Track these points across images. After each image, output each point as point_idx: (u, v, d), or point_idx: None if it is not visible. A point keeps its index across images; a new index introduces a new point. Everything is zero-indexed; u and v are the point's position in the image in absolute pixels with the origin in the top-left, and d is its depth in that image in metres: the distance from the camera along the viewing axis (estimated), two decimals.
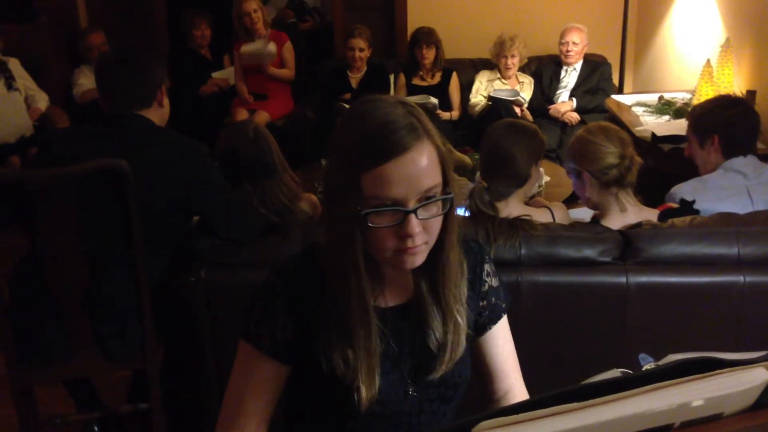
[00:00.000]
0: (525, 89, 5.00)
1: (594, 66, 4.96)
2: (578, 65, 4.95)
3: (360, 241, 1.11)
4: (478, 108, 4.94)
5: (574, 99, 4.88)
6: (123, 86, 2.25)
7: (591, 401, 0.57)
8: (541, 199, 2.76)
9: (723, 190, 2.46)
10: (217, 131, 3.10)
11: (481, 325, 1.35)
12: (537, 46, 5.16)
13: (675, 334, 2.12)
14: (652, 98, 4.08)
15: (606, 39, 5.12)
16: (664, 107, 3.89)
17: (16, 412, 2.29)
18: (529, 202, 2.53)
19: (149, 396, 2.31)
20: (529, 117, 4.88)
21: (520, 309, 2.09)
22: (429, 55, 4.94)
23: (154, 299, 2.24)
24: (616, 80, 4.88)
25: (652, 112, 3.89)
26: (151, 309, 2.22)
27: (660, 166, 3.24)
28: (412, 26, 5.29)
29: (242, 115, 5.02)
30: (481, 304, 1.33)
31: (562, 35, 4.89)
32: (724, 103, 2.61)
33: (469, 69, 5.22)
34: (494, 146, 2.32)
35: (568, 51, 4.87)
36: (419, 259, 1.14)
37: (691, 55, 4.43)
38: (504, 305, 1.37)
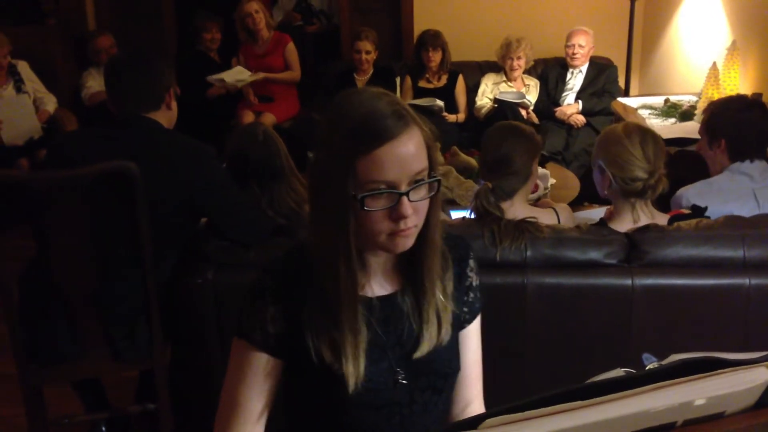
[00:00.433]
0: (531, 92, 5.01)
1: (600, 68, 4.97)
2: (584, 68, 4.96)
3: (353, 225, 1.15)
4: (484, 110, 4.95)
5: (579, 101, 4.89)
6: (132, 89, 2.27)
7: (595, 399, 0.59)
8: (548, 201, 2.78)
9: (729, 193, 2.45)
10: (223, 133, 3.13)
11: (460, 321, 1.37)
12: (543, 49, 5.17)
13: (680, 337, 2.12)
14: (658, 101, 4.08)
15: (612, 41, 5.13)
16: (670, 110, 3.89)
17: (26, 412, 2.31)
18: (536, 203, 2.54)
19: (157, 396, 2.33)
20: (535, 119, 4.90)
21: (526, 311, 2.10)
22: (435, 57, 4.95)
23: (162, 300, 2.26)
24: (622, 83, 4.88)
25: (658, 115, 3.89)
26: (159, 310, 2.24)
27: (667, 172, 3.24)
28: (418, 29, 5.31)
29: (248, 117, 5.05)
30: (464, 298, 1.36)
31: (568, 38, 4.90)
32: (737, 106, 2.57)
33: (475, 72, 5.24)
34: (493, 148, 2.35)
35: (574, 54, 4.88)
36: (410, 241, 1.19)
37: (697, 58, 4.44)
38: (479, 305, 1.40)
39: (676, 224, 2.21)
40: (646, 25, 5.32)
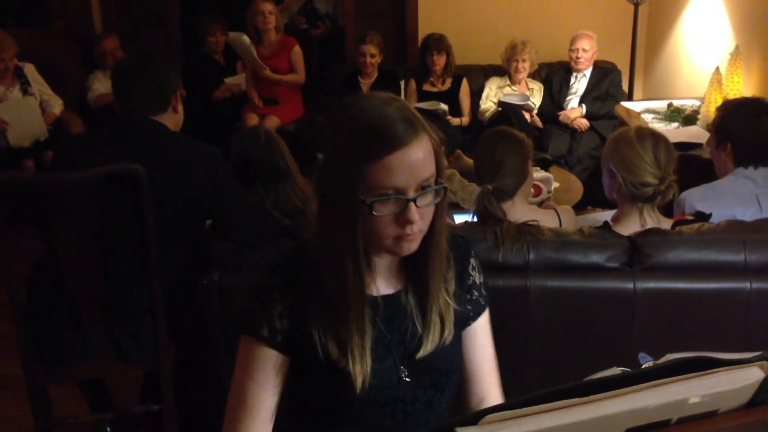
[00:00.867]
0: (535, 95, 5.02)
1: (604, 72, 4.98)
2: (588, 72, 4.97)
3: (361, 228, 1.17)
4: (488, 114, 4.97)
5: (583, 105, 4.90)
6: (139, 92, 2.30)
7: (593, 396, 0.60)
8: (551, 203, 2.79)
9: (732, 198, 2.46)
10: (228, 136, 3.15)
11: (463, 319, 1.38)
12: (547, 53, 5.19)
13: (682, 340, 2.13)
14: (661, 105, 4.10)
15: (616, 46, 5.14)
16: (674, 114, 3.91)
17: (32, 412, 2.33)
18: (539, 206, 2.56)
19: (161, 397, 2.35)
20: (539, 123, 4.91)
21: (529, 313, 2.11)
22: (440, 61, 4.97)
23: (168, 301, 2.28)
24: (625, 87, 4.90)
25: (662, 119, 3.90)
26: (165, 311, 2.26)
27: (677, 178, 3.25)
28: (423, 32, 5.33)
29: (253, 120, 5.07)
30: (467, 297, 1.38)
31: (572, 42, 4.91)
32: (749, 110, 2.54)
33: (480, 75, 5.25)
34: (485, 155, 2.37)
35: (578, 58, 4.89)
36: (415, 245, 1.21)
37: (701, 63, 4.45)
38: (484, 303, 1.42)
39: (678, 228, 2.22)
40: (650, 29, 5.33)
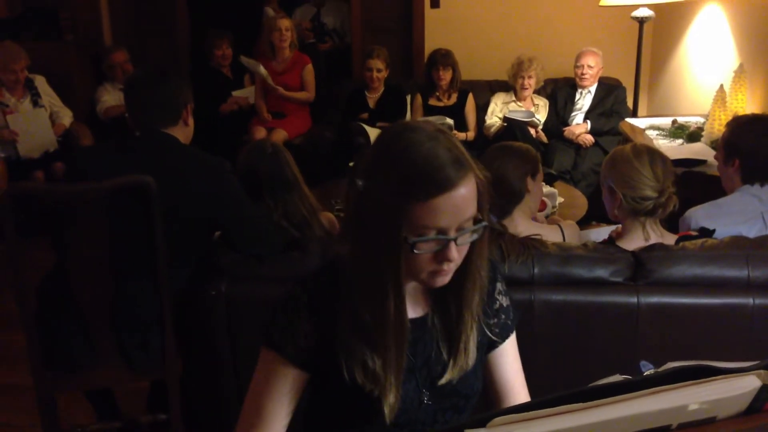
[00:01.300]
0: (540, 111, 5.05)
1: (609, 89, 5.01)
2: (593, 88, 5.00)
3: (404, 264, 1.17)
4: (493, 129, 5.00)
5: (588, 121, 4.93)
6: (151, 104, 2.33)
7: (595, 402, 0.63)
8: (556, 218, 2.81)
9: (737, 215, 2.46)
10: (235, 149, 3.20)
11: (490, 342, 1.39)
12: (552, 69, 5.23)
13: (685, 355, 2.13)
14: (665, 122, 4.12)
15: (621, 63, 5.17)
16: (678, 131, 3.92)
17: (41, 421, 2.35)
18: (542, 221, 2.58)
19: (168, 406, 2.37)
20: (544, 138, 4.94)
21: (534, 327, 2.13)
22: (446, 76, 5.01)
23: (176, 311, 2.30)
24: (630, 103, 4.92)
25: (666, 136, 3.92)
26: (173, 321, 2.28)
27: (677, 190, 3.27)
28: (429, 47, 5.37)
29: (260, 133, 5.11)
30: (492, 321, 1.38)
31: (578, 58, 4.95)
32: (760, 129, 2.54)
33: (485, 90, 5.29)
34: (488, 168, 2.39)
35: (583, 74, 4.92)
36: (448, 278, 1.22)
37: (705, 80, 4.48)
38: (512, 324, 1.43)
39: (681, 244, 2.23)
40: (655, 46, 5.37)
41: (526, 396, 1.44)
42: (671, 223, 2.52)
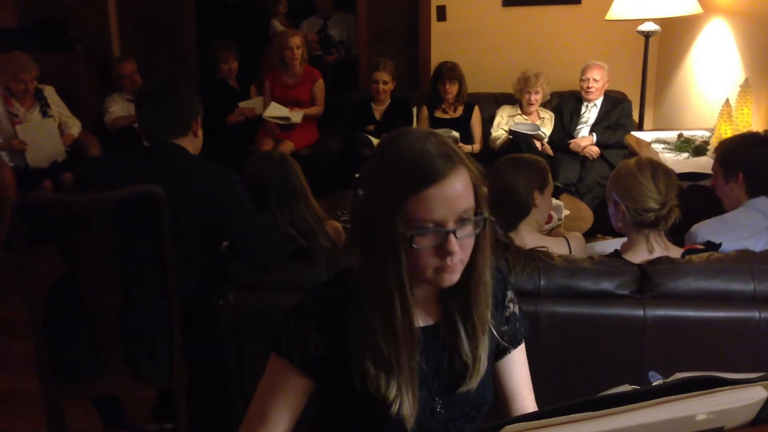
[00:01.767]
0: (546, 124, 5.07)
1: (614, 102, 5.02)
2: (599, 101, 5.01)
3: (405, 262, 1.19)
4: (498, 142, 5.02)
5: (594, 134, 4.94)
6: (162, 116, 2.35)
7: (605, 411, 0.64)
8: (561, 230, 2.82)
9: (743, 230, 2.47)
10: (241, 159, 3.20)
11: (501, 350, 1.41)
12: (558, 82, 5.24)
13: (691, 368, 2.14)
14: (671, 135, 4.12)
15: (626, 76, 5.19)
16: (684, 145, 3.93)
17: (47, 428, 2.36)
18: (549, 234, 2.59)
19: (175, 416, 2.38)
20: (549, 151, 4.95)
21: (540, 339, 2.14)
22: (452, 89, 5.03)
23: (184, 321, 2.31)
24: (636, 117, 4.93)
25: (672, 150, 3.93)
26: (181, 330, 2.29)
27: (679, 203, 3.28)
28: (435, 60, 5.39)
29: (268, 144, 5.14)
30: (502, 329, 1.39)
31: (583, 72, 4.96)
32: (753, 141, 2.62)
33: (491, 103, 5.30)
34: (495, 181, 2.41)
35: (588, 87, 4.94)
36: (456, 276, 1.22)
37: (711, 94, 4.49)
38: (522, 332, 1.44)
39: (688, 257, 2.24)
40: (661, 60, 5.39)
41: (533, 405, 1.45)
42: (676, 237, 2.53)
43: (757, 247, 2.40)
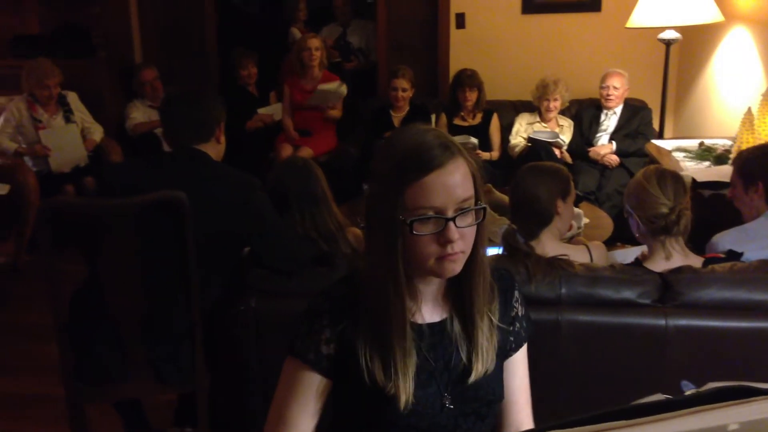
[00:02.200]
0: (565, 132, 5.06)
1: (634, 110, 5.00)
2: (618, 109, 5.00)
3: (401, 248, 1.22)
4: (517, 149, 5.01)
5: (613, 142, 4.92)
6: (187, 122, 2.38)
7: (637, 420, 0.64)
8: (582, 239, 2.82)
9: (764, 239, 2.47)
10: (261, 166, 3.24)
11: (505, 350, 1.42)
12: (577, 90, 5.23)
13: (713, 378, 2.13)
14: (692, 144, 4.10)
15: (647, 84, 5.17)
16: (705, 153, 3.91)
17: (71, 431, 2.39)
18: (569, 242, 2.59)
19: (196, 420, 2.39)
20: (569, 159, 4.93)
21: (560, 348, 2.14)
22: (471, 97, 5.03)
23: (206, 326, 2.33)
24: (656, 125, 4.91)
25: (693, 158, 3.91)
26: (203, 335, 2.31)
27: (700, 212, 3.26)
28: (454, 68, 5.40)
29: (287, 150, 5.16)
30: (510, 328, 1.41)
31: (603, 80, 4.95)
32: None
33: (510, 111, 5.30)
34: (517, 188, 2.43)
35: (608, 95, 4.92)
36: (458, 266, 1.25)
37: (732, 103, 4.46)
38: (526, 334, 1.45)
39: (710, 267, 2.24)
40: (681, 68, 5.36)
41: (528, 419, 1.45)
42: (696, 245, 2.52)
43: None
